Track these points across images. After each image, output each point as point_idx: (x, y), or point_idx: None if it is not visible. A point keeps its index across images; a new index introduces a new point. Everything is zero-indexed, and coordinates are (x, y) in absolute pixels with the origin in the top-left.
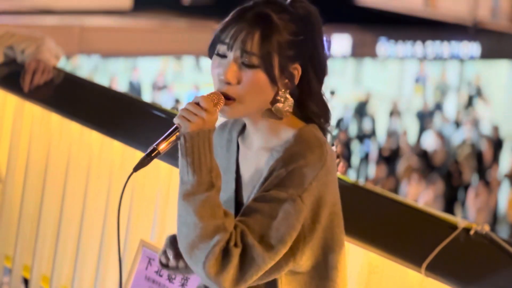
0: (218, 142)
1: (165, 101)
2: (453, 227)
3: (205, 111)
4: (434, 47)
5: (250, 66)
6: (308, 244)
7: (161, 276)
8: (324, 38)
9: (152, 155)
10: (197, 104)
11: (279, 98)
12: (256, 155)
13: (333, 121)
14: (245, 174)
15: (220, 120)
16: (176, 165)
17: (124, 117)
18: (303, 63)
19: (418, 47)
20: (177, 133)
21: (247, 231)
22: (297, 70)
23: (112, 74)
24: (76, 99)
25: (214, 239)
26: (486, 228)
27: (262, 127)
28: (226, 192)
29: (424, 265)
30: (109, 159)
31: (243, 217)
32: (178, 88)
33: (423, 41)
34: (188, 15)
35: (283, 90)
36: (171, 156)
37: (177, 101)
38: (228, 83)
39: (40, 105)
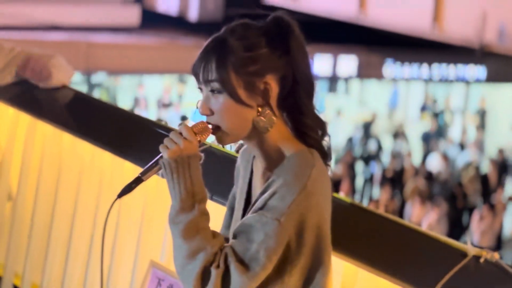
0: (241, 164)
1: (171, 118)
2: (463, 254)
3: (183, 139)
4: (440, 69)
5: (216, 93)
6: (296, 266)
7: None
8: (305, 49)
9: (136, 183)
10: (180, 133)
11: (259, 115)
12: (262, 176)
13: (342, 141)
14: (254, 194)
15: None
16: None
17: (136, 137)
18: (280, 76)
19: (424, 69)
20: (159, 161)
21: (231, 253)
22: (268, 84)
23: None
24: (88, 118)
25: (197, 259)
26: (496, 256)
27: (262, 150)
28: (239, 211)
29: None
30: (120, 180)
31: (232, 239)
32: (185, 105)
33: (430, 63)
34: (195, 32)
35: (260, 107)
36: None
37: (183, 118)
38: (206, 115)
39: (52, 125)
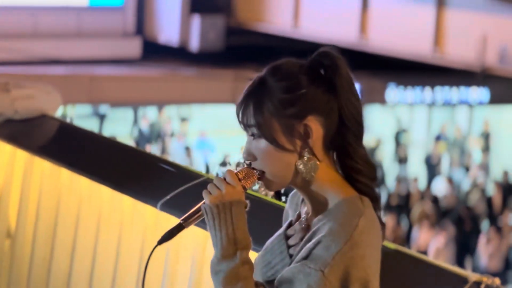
0: (290, 208)
1: (174, 149)
2: (464, 280)
3: (226, 184)
4: (443, 92)
5: (256, 137)
6: None
7: None
8: (355, 88)
9: (177, 230)
10: (225, 179)
11: (301, 159)
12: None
13: None
14: None
15: None
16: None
17: (133, 171)
18: (325, 115)
19: (427, 93)
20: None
21: None
22: (309, 127)
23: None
24: (85, 153)
25: None
26: (497, 282)
27: (308, 194)
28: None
29: None
30: (119, 214)
31: None
32: (188, 135)
33: (432, 86)
34: (197, 63)
35: (304, 150)
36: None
37: (187, 149)
38: (249, 160)
39: (50, 160)
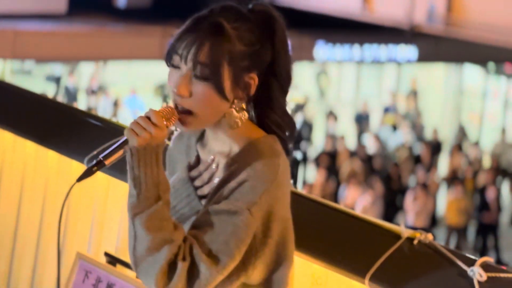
0: (176, 149)
1: (102, 105)
2: (397, 236)
3: (153, 126)
4: (372, 50)
5: (201, 78)
6: (260, 258)
7: None
8: (288, 43)
9: (97, 166)
10: (148, 118)
11: (233, 108)
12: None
13: None
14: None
15: None
16: (114, 176)
17: (59, 126)
18: (261, 72)
19: (355, 50)
20: (125, 147)
21: (196, 245)
22: (253, 80)
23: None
24: (9, 107)
25: (161, 252)
26: (430, 237)
27: (220, 135)
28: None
29: (368, 275)
30: (45, 169)
31: (194, 230)
32: (115, 92)
33: (361, 44)
34: (124, 19)
35: (237, 100)
36: (110, 167)
37: (115, 104)
38: (180, 96)
39: None
